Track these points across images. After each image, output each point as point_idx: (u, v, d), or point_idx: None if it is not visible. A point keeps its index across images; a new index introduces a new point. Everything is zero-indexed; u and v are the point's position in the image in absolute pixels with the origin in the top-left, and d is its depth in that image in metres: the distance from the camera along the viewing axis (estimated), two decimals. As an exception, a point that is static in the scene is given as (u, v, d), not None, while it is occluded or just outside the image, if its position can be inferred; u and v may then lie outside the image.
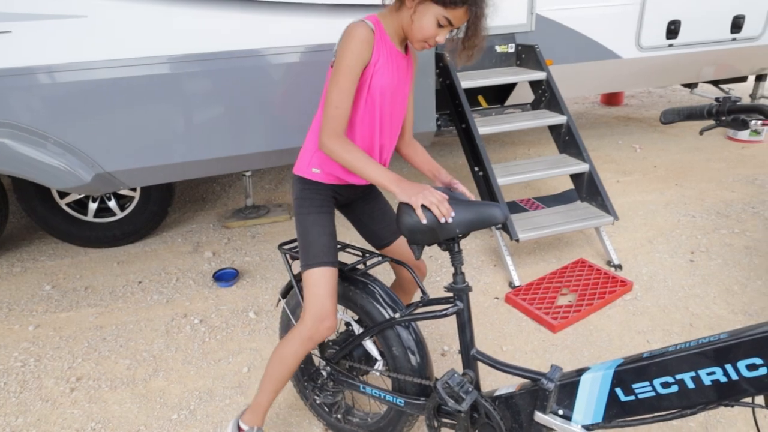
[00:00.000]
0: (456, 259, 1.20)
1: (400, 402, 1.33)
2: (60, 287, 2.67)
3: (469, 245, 2.86)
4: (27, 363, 2.11)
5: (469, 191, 1.30)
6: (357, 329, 1.46)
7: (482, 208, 1.12)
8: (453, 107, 2.84)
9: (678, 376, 0.87)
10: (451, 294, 1.23)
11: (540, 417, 1.04)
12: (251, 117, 2.19)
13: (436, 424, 1.31)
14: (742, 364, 0.81)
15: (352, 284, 1.38)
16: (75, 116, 1.79)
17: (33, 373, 2.05)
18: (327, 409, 1.63)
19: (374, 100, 1.25)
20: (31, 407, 1.88)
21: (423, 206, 1.12)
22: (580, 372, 1.01)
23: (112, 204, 2.94)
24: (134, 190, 2.96)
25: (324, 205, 1.34)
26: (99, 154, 1.85)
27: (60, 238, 2.94)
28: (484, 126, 2.70)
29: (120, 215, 2.98)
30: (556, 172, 2.63)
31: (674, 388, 0.88)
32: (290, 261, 1.48)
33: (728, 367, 0.82)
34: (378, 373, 1.42)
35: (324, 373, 1.47)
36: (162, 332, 2.27)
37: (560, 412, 1.01)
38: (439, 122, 2.94)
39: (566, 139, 2.80)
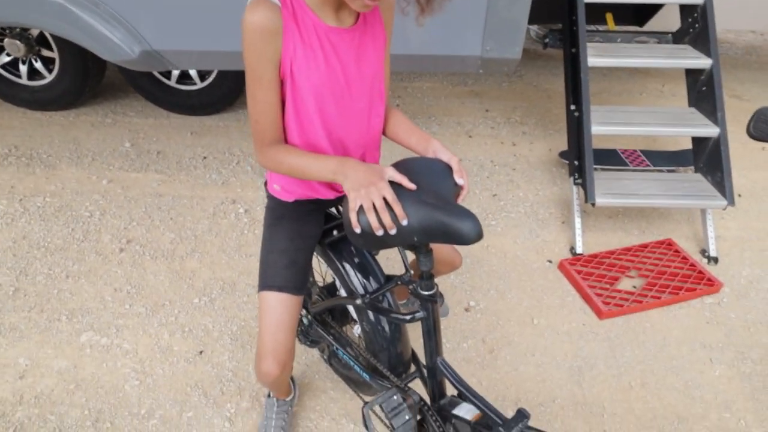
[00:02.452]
0: (422, 262, 0.96)
1: (366, 377, 1.24)
2: (137, 146, 2.83)
3: (541, 192, 2.53)
4: (93, 215, 2.32)
5: (463, 173, 0.98)
6: (338, 285, 1.34)
7: (449, 219, 0.84)
8: (567, 23, 2.33)
9: None
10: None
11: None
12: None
13: None
14: None
15: (330, 246, 1.21)
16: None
17: (96, 225, 2.26)
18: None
19: (306, 105, 0.95)
20: (87, 258, 2.09)
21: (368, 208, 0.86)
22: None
23: (192, 72, 2.95)
24: (213, 62, 2.92)
25: (283, 216, 1.13)
26: (147, 30, 1.77)
27: (147, 98, 3.07)
28: (598, 56, 2.19)
29: (200, 85, 3.00)
30: (673, 131, 2.12)
31: None
32: None
33: None
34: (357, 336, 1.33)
35: (305, 321, 1.41)
36: (209, 214, 2.35)
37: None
38: (547, 40, 2.45)
39: (702, 90, 2.21)
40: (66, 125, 3.01)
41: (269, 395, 1.47)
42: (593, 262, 2.06)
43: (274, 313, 1.08)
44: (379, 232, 0.86)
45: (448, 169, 1.00)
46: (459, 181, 0.98)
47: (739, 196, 2.50)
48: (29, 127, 2.96)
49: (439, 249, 1.27)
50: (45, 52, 2.92)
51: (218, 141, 2.89)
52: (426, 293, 1.00)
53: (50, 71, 2.97)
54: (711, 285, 1.95)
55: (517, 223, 2.33)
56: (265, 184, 1.25)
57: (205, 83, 2.99)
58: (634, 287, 1.97)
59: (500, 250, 2.18)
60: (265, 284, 1.10)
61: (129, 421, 1.52)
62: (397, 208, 0.86)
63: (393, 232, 0.86)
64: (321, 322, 1.44)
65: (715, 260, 2.10)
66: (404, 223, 0.86)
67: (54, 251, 2.12)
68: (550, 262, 2.12)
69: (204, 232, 2.24)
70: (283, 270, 1.10)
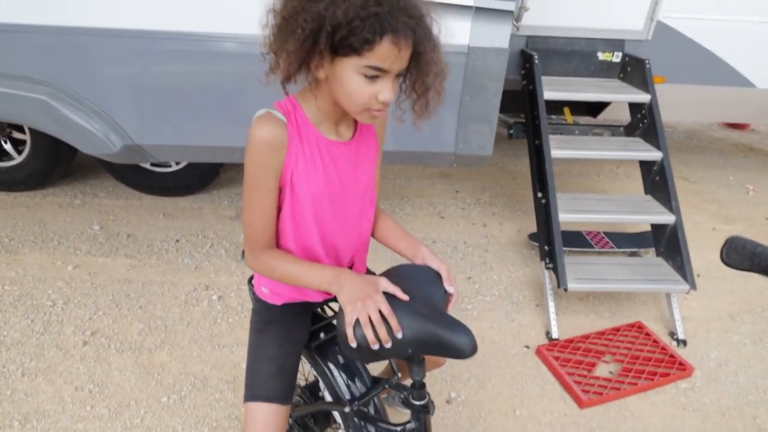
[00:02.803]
0: (414, 372, 0.97)
1: (353, 489, 1.18)
2: (107, 229, 2.77)
3: (514, 274, 2.59)
4: (56, 304, 2.21)
5: (452, 280, 1.01)
6: (322, 387, 1.31)
7: (444, 332, 0.85)
8: (530, 117, 2.51)
9: None
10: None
11: None
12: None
13: None
14: None
15: (317, 349, 1.19)
16: (110, 83, 1.74)
17: (58, 316, 2.15)
18: None
19: (303, 211, 1.00)
20: (46, 353, 1.97)
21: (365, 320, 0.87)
22: None
23: (168, 156, 2.97)
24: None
25: (271, 321, 1.13)
26: (129, 125, 1.81)
27: (117, 178, 3.05)
28: (560, 148, 2.36)
29: (174, 168, 3.02)
30: (633, 218, 2.26)
31: None
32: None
33: None
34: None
35: (289, 421, 1.35)
36: (181, 301, 2.28)
37: None
38: (512, 131, 2.63)
39: (656, 180, 2.38)
40: (32, 206, 2.93)
41: None
42: (569, 347, 2.09)
43: (262, 426, 1.03)
44: (375, 346, 0.86)
45: (438, 276, 1.02)
46: (449, 289, 1.01)
47: (698, 276, 2.63)
48: (-9, 209, 2.86)
49: None
50: (16, 134, 2.91)
51: (191, 223, 2.87)
52: (418, 403, 0.98)
53: (20, 152, 2.94)
54: (683, 369, 2.00)
55: (493, 306, 2.36)
56: (250, 281, 1.25)
57: (181, 165, 3.02)
58: (611, 373, 2.00)
59: (478, 335, 2.18)
60: (252, 395, 1.06)
61: None
62: (393, 321, 0.87)
63: (388, 345, 0.86)
64: (302, 425, 1.38)
65: (684, 343, 2.16)
66: (399, 336, 0.87)
67: (10, 346, 1.98)
68: (527, 347, 2.13)
69: (175, 321, 2.16)
70: (271, 378, 1.06)
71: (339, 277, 0.93)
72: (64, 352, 1.98)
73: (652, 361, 2.03)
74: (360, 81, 0.85)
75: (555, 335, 2.14)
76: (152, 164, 3.00)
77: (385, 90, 0.86)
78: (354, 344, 0.87)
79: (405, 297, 0.92)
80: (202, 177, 3.08)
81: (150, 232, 2.76)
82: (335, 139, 0.99)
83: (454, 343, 0.85)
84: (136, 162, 2.04)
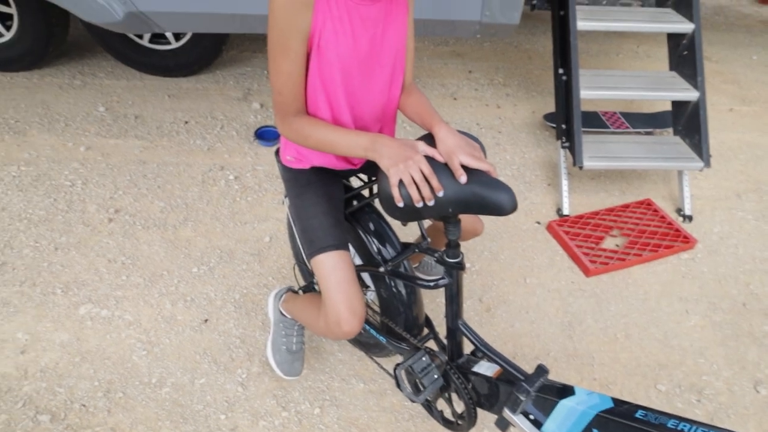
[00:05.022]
0: (450, 231, 0.99)
1: (383, 339, 1.29)
2: (113, 111, 2.71)
3: (527, 154, 2.59)
4: (75, 184, 2.24)
5: (480, 152, 0.94)
6: (353, 253, 1.37)
7: (485, 191, 0.86)
8: (556, -15, 2.32)
9: None
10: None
11: (508, 414, 0.97)
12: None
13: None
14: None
15: (350, 215, 1.23)
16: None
17: (79, 195, 2.19)
18: None
19: (333, 78, 0.96)
20: (74, 229, 2.03)
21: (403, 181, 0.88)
22: (563, 393, 0.89)
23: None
24: (189, 20, 2.78)
25: (310, 182, 1.13)
26: (133, -11, 1.67)
27: (116, 57, 2.91)
28: (587, 19, 2.21)
29: (174, 45, 2.86)
30: (656, 95, 2.19)
31: None
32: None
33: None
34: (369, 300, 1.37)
35: (317, 288, 1.44)
36: (198, 181, 2.30)
37: (531, 416, 0.93)
38: (535, 2, 2.44)
39: (684, 54, 2.28)
40: (31, 87, 2.83)
41: (282, 313, 1.47)
42: (579, 222, 2.16)
43: (339, 271, 1.06)
44: (419, 204, 0.89)
45: (475, 140, 1.02)
46: (479, 160, 0.95)
47: (711, 156, 2.64)
48: (-10, 90, 2.77)
49: (462, 217, 1.30)
50: (1, 8, 2.71)
51: (199, 105, 2.80)
52: (453, 261, 1.04)
53: (8, 29, 2.76)
54: (687, 242, 2.09)
55: (506, 186, 2.39)
56: (276, 153, 1.25)
57: (180, 43, 2.86)
58: (617, 246, 2.09)
59: (491, 212, 2.24)
60: (319, 248, 1.07)
61: (141, 390, 1.53)
62: (434, 181, 0.88)
63: (431, 203, 0.89)
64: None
65: (690, 218, 2.23)
66: (440, 194, 0.89)
67: (38, 223, 2.04)
68: (538, 223, 2.20)
69: (195, 200, 2.20)
70: (331, 229, 1.09)
71: (375, 143, 0.92)
72: (92, 228, 2.04)
73: (657, 235, 2.11)
74: None
75: (566, 212, 2.20)
76: (151, 41, 2.84)
77: None
78: (401, 204, 0.90)
79: (443, 159, 0.93)
80: (204, 55, 2.94)
81: (157, 114, 2.70)
82: None
83: (495, 200, 0.87)
84: (140, 32, 1.92)
